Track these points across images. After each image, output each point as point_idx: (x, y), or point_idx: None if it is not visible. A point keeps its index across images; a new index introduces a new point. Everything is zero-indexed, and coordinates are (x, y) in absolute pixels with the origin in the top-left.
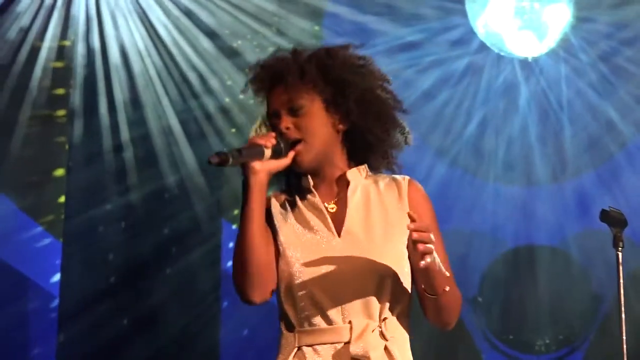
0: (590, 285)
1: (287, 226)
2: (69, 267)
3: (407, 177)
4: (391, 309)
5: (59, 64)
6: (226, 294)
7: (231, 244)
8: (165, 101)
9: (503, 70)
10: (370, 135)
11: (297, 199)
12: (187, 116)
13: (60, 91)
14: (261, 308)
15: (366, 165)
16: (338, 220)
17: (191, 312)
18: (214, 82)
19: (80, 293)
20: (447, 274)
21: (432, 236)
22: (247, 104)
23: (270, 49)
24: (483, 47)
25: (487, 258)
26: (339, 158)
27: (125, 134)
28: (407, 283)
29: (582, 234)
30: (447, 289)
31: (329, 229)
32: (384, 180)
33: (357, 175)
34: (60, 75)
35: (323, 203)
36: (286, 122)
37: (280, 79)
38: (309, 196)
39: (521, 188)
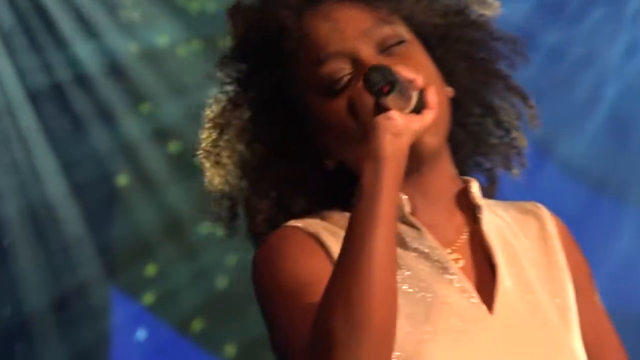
0: None
1: None
2: None
3: (541, 206)
4: None
5: None
6: None
7: (139, 333)
8: (2, 57)
9: None
10: (490, 118)
11: None
12: (45, 85)
13: None
14: None
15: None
16: (479, 283)
17: None
18: (101, 17)
19: None
20: None
21: None
22: (175, 56)
23: None
24: None
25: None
26: (447, 154)
27: None
28: None
29: None
30: None
31: (469, 297)
32: (504, 208)
33: (480, 195)
34: None
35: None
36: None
37: None
38: (405, 230)
39: None
